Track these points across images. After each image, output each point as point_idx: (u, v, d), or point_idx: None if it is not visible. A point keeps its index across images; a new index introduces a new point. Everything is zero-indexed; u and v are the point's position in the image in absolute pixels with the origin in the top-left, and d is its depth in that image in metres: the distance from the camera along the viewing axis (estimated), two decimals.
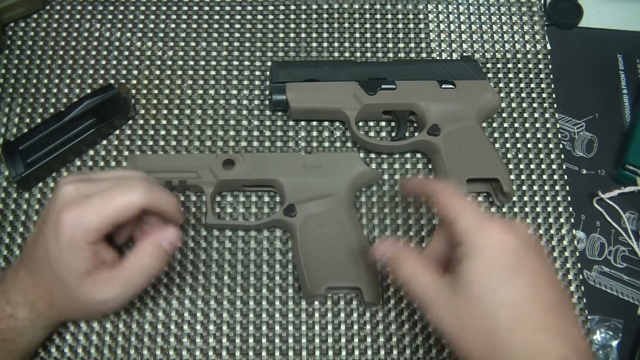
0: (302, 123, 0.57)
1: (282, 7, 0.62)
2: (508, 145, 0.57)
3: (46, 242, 0.41)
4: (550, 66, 0.60)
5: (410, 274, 0.41)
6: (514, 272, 0.38)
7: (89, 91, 0.58)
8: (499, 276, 0.37)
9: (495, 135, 0.57)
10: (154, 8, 0.62)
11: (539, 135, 0.57)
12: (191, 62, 0.60)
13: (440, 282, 0.39)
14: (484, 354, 0.37)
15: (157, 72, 0.59)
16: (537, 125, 0.58)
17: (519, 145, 0.57)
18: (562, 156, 0.57)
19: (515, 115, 0.58)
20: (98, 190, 0.42)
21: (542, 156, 0.57)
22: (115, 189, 0.42)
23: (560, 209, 0.55)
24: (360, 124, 0.57)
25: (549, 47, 0.61)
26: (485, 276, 0.38)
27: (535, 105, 0.59)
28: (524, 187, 0.55)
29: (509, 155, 0.57)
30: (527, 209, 0.55)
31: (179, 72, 0.59)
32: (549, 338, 0.36)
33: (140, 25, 0.61)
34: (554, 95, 0.59)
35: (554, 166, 0.56)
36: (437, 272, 0.40)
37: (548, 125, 0.58)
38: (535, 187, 0.55)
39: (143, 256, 0.42)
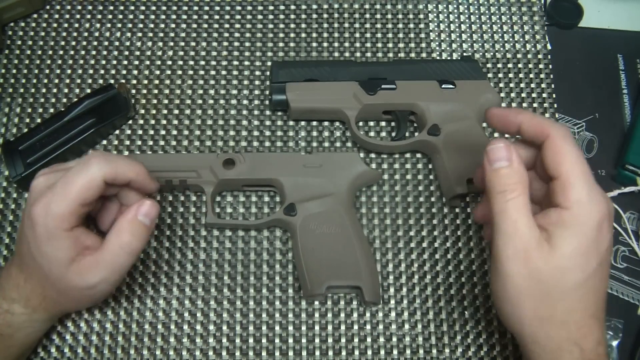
0: (302, 123, 0.57)
1: (282, 7, 0.62)
2: None
3: (26, 237, 0.42)
4: (550, 66, 0.60)
5: (521, 201, 0.38)
6: (600, 262, 0.38)
7: (89, 91, 0.58)
8: (589, 261, 0.37)
9: (496, 135, 0.57)
10: (154, 8, 0.62)
11: None
12: (191, 62, 0.60)
13: (534, 229, 0.38)
14: (535, 318, 0.38)
15: (157, 72, 0.59)
16: None
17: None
18: None
19: None
20: (60, 177, 0.42)
21: None
22: (73, 170, 0.41)
23: None
24: (360, 124, 0.57)
25: (549, 47, 0.61)
26: (580, 256, 0.37)
27: (535, 105, 0.59)
28: None
29: None
30: None
31: (179, 72, 0.59)
32: (595, 324, 0.38)
33: (140, 25, 0.61)
34: (554, 95, 0.59)
35: None
36: (531, 213, 0.38)
37: None
38: None
39: (122, 234, 0.42)
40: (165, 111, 0.58)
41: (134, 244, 0.42)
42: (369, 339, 0.50)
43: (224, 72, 0.59)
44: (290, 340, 0.50)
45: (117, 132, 0.57)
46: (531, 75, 0.60)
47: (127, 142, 0.56)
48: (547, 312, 0.38)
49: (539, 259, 0.37)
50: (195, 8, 0.62)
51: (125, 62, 0.60)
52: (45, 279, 0.43)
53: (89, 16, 0.61)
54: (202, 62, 0.60)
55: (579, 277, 0.37)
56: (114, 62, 0.59)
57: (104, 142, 0.56)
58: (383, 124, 0.58)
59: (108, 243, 0.42)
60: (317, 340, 0.50)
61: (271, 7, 0.62)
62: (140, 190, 0.45)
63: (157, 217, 0.44)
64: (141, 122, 0.57)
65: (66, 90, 0.58)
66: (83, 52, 0.60)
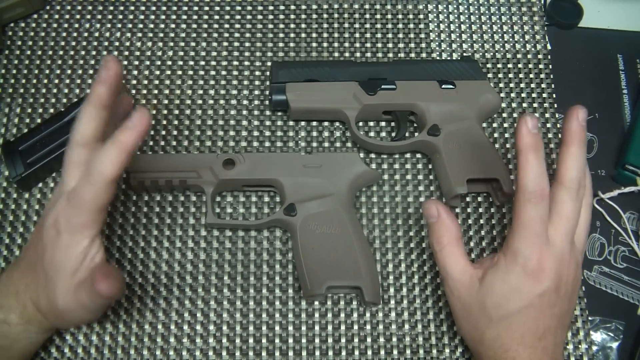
0: (302, 123, 0.57)
1: (282, 7, 0.62)
2: (508, 145, 0.57)
3: (44, 246, 0.42)
4: (550, 66, 0.60)
5: (447, 250, 0.44)
6: (527, 305, 0.42)
7: (89, 91, 0.58)
8: (514, 303, 0.42)
9: (495, 135, 0.57)
10: (154, 8, 0.62)
11: None
12: (191, 62, 0.60)
13: (469, 270, 0.44)
14: (471, 339, 0.45)
15: (157, 72, 0.59)
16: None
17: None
18: None
19: (515, 115, 0.58)
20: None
21: None
22: (94, 159, 0.40)
23: None
24: (360, 124, 0.57)
25: (549, 47, 0.61)
26: (505, 297, 0.42)
27: (535, 105, 0.59)
28: None
29: (509, 156, 0.57)
30: None
31: (179, 72, 0.59)
32: (523, 350, 0.42)
33: (140, 25, 0.61)
34: (554, 95, 0.59)
35: (554, 166, 0.56)
36: (466, 255, 0.45)
37: (548, 125, 0.58)
38: None
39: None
40: (165, 111, 0.58)
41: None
42: (369, 339, 0.51)
43: (224, 72, 0.59)
44: (290, 340, 0.50)
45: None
46: (531, 75, 0.60)
47: None
48: (478, 336, 0.44)
49: (467, 295, 0.44)
50: (195, 8, 0.62)
51: (125, 62, 0.60)
52: (43, 290, 0.42)
53: (89, 16, 0.61)
54: (202, 62, 0.60)
55: (500, 312, 0.42)
56: None
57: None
58: (383, 124, 0.58)
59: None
60: (317, 340, 0.50)
61: (271, 7, 0.62)
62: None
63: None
64: None
65: (66, 90, 0.58)
66: (83, 52, 0.60)
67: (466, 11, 0.63)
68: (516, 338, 0.42)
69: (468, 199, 0.55)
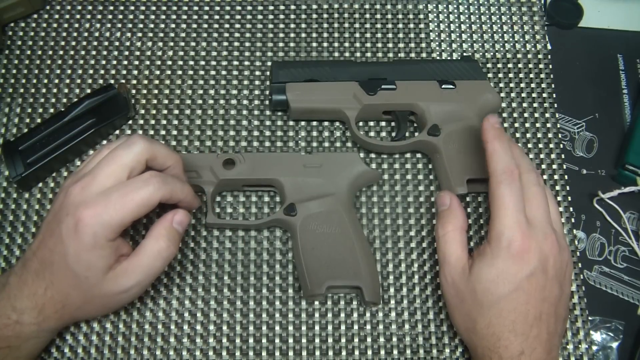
0: (302, 123, 0.57)
1: (282, 7, 0.62)
2: None
3: (63, 245, 0.42)
4: (550, 66, 0.60)
5: (450, 235, 0.46)
6: (516, 288, 0.43)
7: (89, 91, 0.58)
8: (503, 287, 0.43)
9: None
10: (154, 8, 0.62)
11: (539, 135, 0.57)
12: (191, 62, 0.60)
13: (464, 258, 0.45)
14: (465, 330, 0.46)
15: (157, 72, 0.59)
16: (537, 125, 0.58)
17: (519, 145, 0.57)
18: (562, 156, 0.57)
19: (515, 115, 0.58)
20: (113, 187, 0.42)
21: (542, 156, 0.57)
22: (132, 185, 0.42)
23: (560, 209, 0.54)
24: (360, 124, 0.57)
25: (549, 47, 0.61)
26: (490, 282, 0.43)
27: (535, 105, 0.59)
28: None
29: None
30: None
31: (179, 72, 0.59)
32: (515, 338, 0.42)
33: (140, 25, 0.61)
34: (554, 95, 0.59)
35: (554, 166, 0.56)
36: (467, 247, 0.47)
37: (548, 125, 0.58)
38: None
39: (159, 240, 0.44)
40: (165, 111, 0.58)
41: (170, 249, 0.44)
42: (369, 339, 0.51)
43: (224, 72, 0.59)
44: (290, 340, 0.50)
45: (117, 132, 0.57)
46: (531, 75, 0.60)
47: None
48: (471, 325, 0.44)
49: (460, 282, 0.45)
50: (195, 8, 0.62)
51: (125, 62, 0.60)
52: (75, 287, 0.43)
53: (89, 16, 0.61)
54: (202, 62, 0.60)
55: (490, 298, 0.43)
56: (114, 62, 0.59)
57: (104, 142, 0.56)
58: (383, 124, 0.58)
59: (145, 248, 0.44)
60: (317, 340, 0.50)
61: (271, 7, 0.62)
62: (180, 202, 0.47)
63: (188, 225, 0.46)
64: (141, 122, 0.57)
65: (66, 90, 0.58)
66: (83, 52, 0.60)
67: (466, 11, 0.63)
68: (507, 325, 0.42)
69: (468, 199, 0.55)
